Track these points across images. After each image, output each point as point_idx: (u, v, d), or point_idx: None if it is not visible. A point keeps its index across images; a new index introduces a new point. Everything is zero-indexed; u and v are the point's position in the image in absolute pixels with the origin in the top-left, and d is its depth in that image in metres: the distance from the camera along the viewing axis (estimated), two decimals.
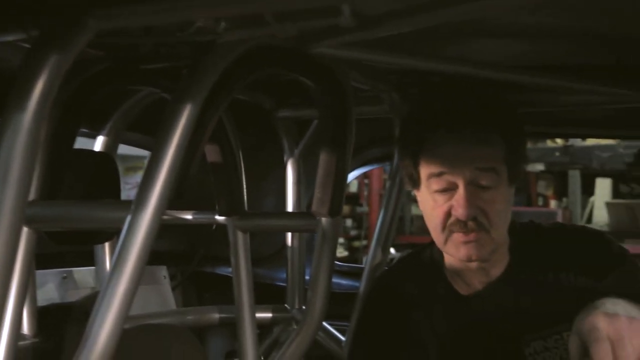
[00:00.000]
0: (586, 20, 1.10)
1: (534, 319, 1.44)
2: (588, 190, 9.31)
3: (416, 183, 1.46)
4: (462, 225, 1.39)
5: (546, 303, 1.45)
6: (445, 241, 1.42)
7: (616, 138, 6.86)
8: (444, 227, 1.41)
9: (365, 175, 9.58)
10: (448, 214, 1.40)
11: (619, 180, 9.23)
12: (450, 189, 1.39)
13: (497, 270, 1.48)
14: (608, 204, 8.44)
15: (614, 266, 1.44)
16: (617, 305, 1.12)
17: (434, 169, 1.40)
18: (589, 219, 8.99)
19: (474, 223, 1.38)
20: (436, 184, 1.40)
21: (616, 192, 9.23)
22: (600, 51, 1.31)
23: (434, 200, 1.42)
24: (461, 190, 1.38)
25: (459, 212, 1.38)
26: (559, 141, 8.93)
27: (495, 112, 1.42)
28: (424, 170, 1.43)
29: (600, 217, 8.75)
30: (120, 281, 0.99)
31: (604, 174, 9.00)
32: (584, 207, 9.34)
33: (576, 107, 1.62)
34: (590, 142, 8.63)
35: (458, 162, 1.38)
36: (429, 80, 1.60)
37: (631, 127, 1.78)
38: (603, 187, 9.15)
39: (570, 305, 1.36)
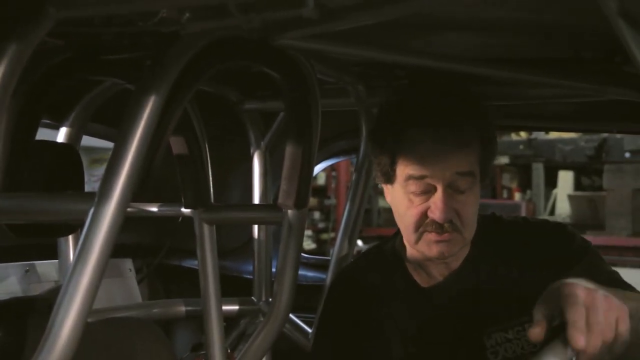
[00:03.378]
0: (546, 13, 1.12)
1: (495, 311, 1.46)
2: (551, 182, 9.46)
3: (390, 179, 1.46)
4: (438, 226, 1.40)
5: (507, 295, 1.47)
6: (418, 240, 1.43)
7: (578, 131, 6.98)
8: (417, 227, 1.42)
9: (332, 168, 9.61)
10: (424, 215, 1.41)
11: (581, 173, 9.41)
12: (428, 192, 1.40)
13: (457, 263, 1.50)
14: (570, 197, 8.59)
15: (577, 258, 1.46)
16: (588, 283, 1.12)
17: (414, 171, 1.40)
18: (552, 211, 9.14)
19: (448, 224, 1.40)
20: (414, 186, 1.40)
21: (578, 185, 9.40)
22: (560, 45, 1.33)
23: (410, 200, 1.42)
24: (439, 194, 1.39)
25: (437, 215, 1.39)
26: (523, 134, 9.06)
27: (473, 113, 1.42)
28: (402, 170, 1.42)
29: (563, 209, 8.91)
30: (83, 274, 0.98)
31: (566, 167, 9.15)
32: (547, 199, 9.50)
33: (538, 101, 1.65)
34: (553, 135, 8.78)
35: (439, 165, 1.38)
36: (397, 76, 1.60)
37: (592, 121, 1.81)
38: (565, 179, 9.31)
39: (532, 298, 1.38)
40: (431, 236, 1.41)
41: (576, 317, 1.03)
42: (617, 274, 1.46)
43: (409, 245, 1.51)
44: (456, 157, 1.39)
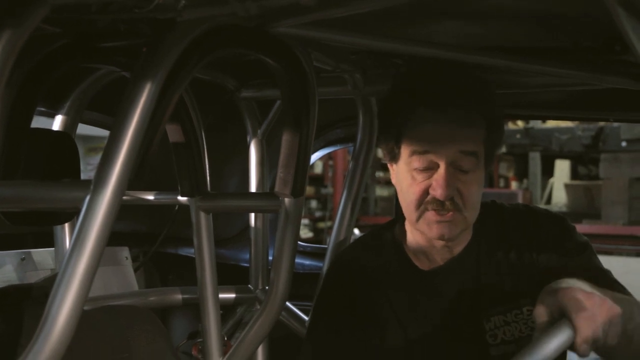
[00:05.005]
0: (545, 1, 1.11)
1: (495, 295, 1.47)
2: (548, 171, 9.48)
3: (395, 158, 1.47)
4: (439, 204, 1.41)
5: (507, 279, 1.49)
6: (418, 218, 1.44)
7: (575, 120, 6.98)
8: (419, 205, 1.43)
9: (329, 157, 9.61)
10: (425, 192, 1.42)
11: (577, 162, 9.42)
12: (430, 168, 1.41)
13: (459, 248, 1.51)
14: (567, 185, 8.61)
15: (576, 253, 1.48)
16: (585, 286, 1.18)
17: (418, 147, 1.41)
18: (549, 200, 9.16)
19: (450, 203, 1.41)
20: (418, 162, 1.41)
21: (575, 174, 9.42)
22: (559, 33, 1.33)
23: (412, 178, 1.43)
24: (442, 171, 1.40)
25: (438, 192, 1.39)
26: (520, 124, 9.05)
27: (479, 94, 1.43)
28: (407, 147, 1.43)
29: (560, 198, 8.93)
30: (79, 262, 0.98)
31: (563, 156, 9.16)
32: (543, 188, 9.51)
33: (537, 89, 1.64)
34: (550, 124, 8.78)
35: (443, 142, 1.39)
36: (394, 64, 1.60)
37: (589, 109, 1.81)
38: (562, 168, 9.33)
39: (531, 283, 1.41)
40: (432, 215, 1.42)
41: (584, 324, 1.13)
42: (610, 273, 1.49)
43: (410, 226, 1.51)
44: (461, 136, 1.40)
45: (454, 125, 1.39)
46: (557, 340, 1.11)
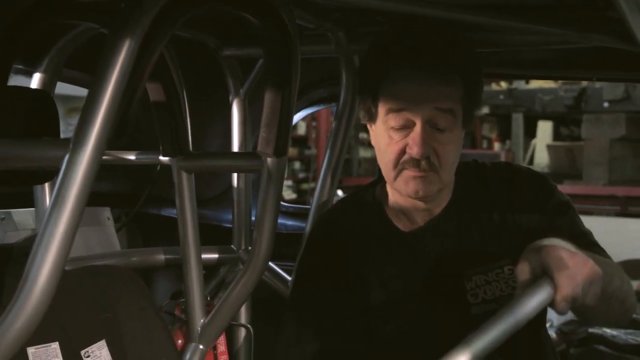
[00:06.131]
0: None
1: (476, 254, 1.49)
2: (530, 132, 9.51)
3: (373, 117, 1.47)
4: (415, 163, 1.41)
5: (487, 239, 1.50)
6: (396, 177, 1.44)
7: (559, 79, 6.99)
8: (396, 164, 1.43)
9: (313, 117, 9.57)
10: (402, 152, 1.42)
11: (560, 123, 9.46)
12: (407, 127, 1.41)
13: (439, 209, 1.51)
14: (549, 146, 8.66)
15: (559, 213, 1.50)
16: (569, 245, 1.19)
17: (394, 105, 1.41)
18: (531, 161, 9.22)
19: (426, 162, 1.41)
20: (394, 121, 1.41)
21: (557, 135, 9.47)
22: None
23: (390, 137, 1.43)
24: (418, 129, 1.40)
25: (414, 150, 1.39)
26: (503, 84, 9.05)
27: (457, 53, 1.42)
28: (383, 106, 1.43)
29: (542, 159, 8.98)
30: (59, 222, 0.97)
31: (546, 117, 9.19)
32: (526, 149, 9.56)
33: (520, 47, 1.63)
34: (533, 85, 8.78)
35: (418, 99, 1.39)
36: (378, 22, 1.58)
37: (573, 68, 1.80)
38: (544, 129, 9.37)
39: (512, 242, 1.42)
40: (409, 172, 1.42)
41: (566, 281, 1.13)
42: (591, 235, 1.52)
43: (389, 186, 1.52)
44: (436, 93, 1.40)
45: (430, 83, 1.39)
46: (537, 297, 1.13)
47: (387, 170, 1.46)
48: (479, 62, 1.48)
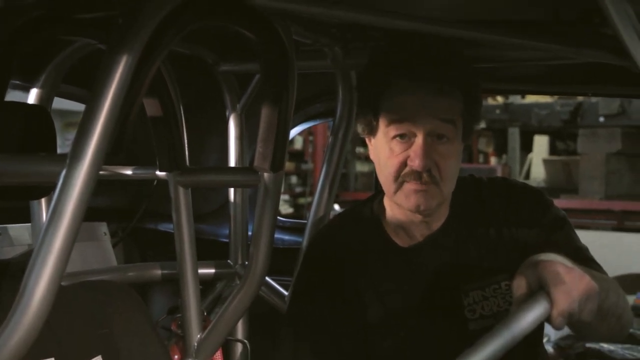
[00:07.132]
0: None
1: (473, 270, 1.49)
2: (527, 147, 9.53)
3: (373, 131, 1.47)
4: (416, 175, 1.41)
5: (485, 254, 1.50)
6: (396, 191, 1.44)
7: (554, 94, 7.01)
8: (397, 177, 1.43)
9: (309, 132, 9.58)
10: (403, 164, 1.42)
11: (556, 137, 9.48)
12: (408, 138, 1.41)
13: (438, 224, 1.51)
14: (545, 161, 8.67)
15: (556, 228, 1.50)
16: (565, 260, 1.19)
17: (396, 115, 1.42)
18: (527, 175, 9.23)
19: (427, 175, 1.41)
20: (395, 130, 1.42)
21: (553, 149, 9.48)
22: (539, 5, 1.33)
23: (390, 149, 1.43)
24: (419, 141, 1.40)
25: (416, 162, 1.40)
26: (500, 99, 9.08)
27: (457, 66, 1.44)
28: (384, 118, 1.44)
29: (538, 173, 8.99)
30: (55, 237, 0.96)
31: (542, 131, 9.21)
32: (522, 163, 9.57)
33: (516, 63, 1.64)
34: (529, 100, 8.80)
35: (420, 111, 1.40)
36: (374, 37, 1.59)
37: (568, 83, 1.82)
38: (541, 144, 9.38)
39: (509, 258, 1.43)
40: (410, 186, 1.42)
41: (562, 298, 1.13)
42: (587, 250, 1.52)
43: (388, 201, 1.52)
44: (438, 105, 1.41)
45: (431, 95, 1.40)
46: (533, 313, 1.12)
47: (387, 184, 1.46)
48: (478, 77, 1.49)
